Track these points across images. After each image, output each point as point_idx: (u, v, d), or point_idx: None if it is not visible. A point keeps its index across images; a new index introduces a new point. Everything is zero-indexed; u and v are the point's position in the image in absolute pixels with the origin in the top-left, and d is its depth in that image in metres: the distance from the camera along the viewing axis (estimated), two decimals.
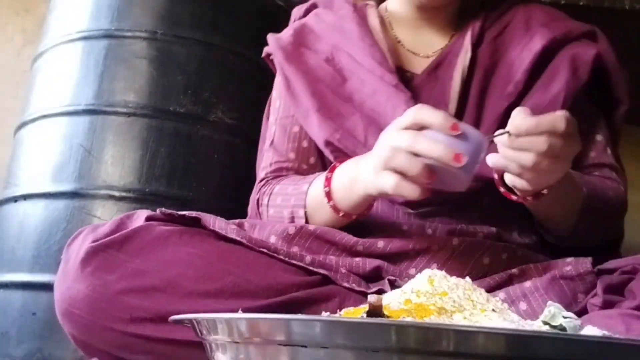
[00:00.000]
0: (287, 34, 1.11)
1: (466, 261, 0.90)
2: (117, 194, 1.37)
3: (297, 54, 1.07)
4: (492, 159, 0.79)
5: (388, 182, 0.77)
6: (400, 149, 0.75)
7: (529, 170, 0.77)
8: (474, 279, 0.84)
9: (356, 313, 0.61)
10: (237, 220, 0.95)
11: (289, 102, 1.07)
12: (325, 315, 0.63)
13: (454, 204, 0.97)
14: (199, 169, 1.44)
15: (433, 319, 0.56)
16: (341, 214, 0.91)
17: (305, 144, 1.08)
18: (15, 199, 1.45)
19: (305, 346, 0.43)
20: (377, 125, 0.97)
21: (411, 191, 0.76)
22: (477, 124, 0.99)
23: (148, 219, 0.89)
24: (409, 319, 0.55)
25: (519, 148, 0.76)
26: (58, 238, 1.35)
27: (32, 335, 1.32)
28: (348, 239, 0.93)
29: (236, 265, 0.86)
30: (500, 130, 0.77)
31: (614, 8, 1.54)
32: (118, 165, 1.39)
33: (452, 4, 1.07)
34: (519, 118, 0.76)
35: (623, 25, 1.59)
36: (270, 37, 1.12)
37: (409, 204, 0.97)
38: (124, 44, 1.45)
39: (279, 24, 1.22)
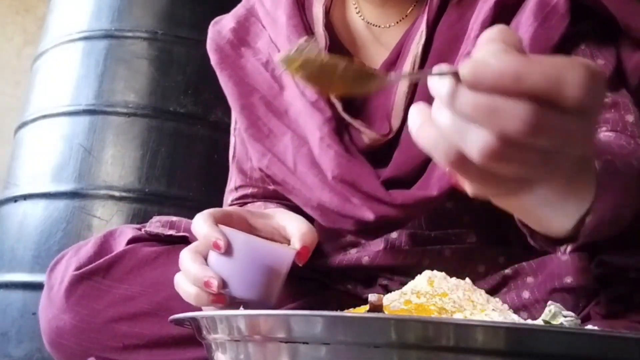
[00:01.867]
0: (228, 26, 0.93)
1: (460, 272, 0.84)
2: (117, 194, 1.37)
3: (235, 55, 0.90)
4: (414, 126, 0.43)
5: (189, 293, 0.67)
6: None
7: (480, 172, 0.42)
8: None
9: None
10: None
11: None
12: (325, 312, 0.63)
13: (427, 215, 0.83)
14: (199, 169, 1.44)
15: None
16: None
17: None
18: (15, 199, 1.45)
19: (307, 343, 0.43)
20: (307, 148, 0.81)
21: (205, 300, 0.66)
22: None
23: (132, 240, 0.84)
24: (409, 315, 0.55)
25: (470, 113, 0.39)
26: (58, 238, 1.35)
27: (32, 335, 1.32)
28: (332, 259, 0.86)
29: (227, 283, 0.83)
30: (441, 67, 0.41)
31: None
32: (118, 165, 1.39)
33: None
34: (486, 50, 0.40)
35: None
36: (211, 29, 0.96)
37: (350, 231, 0.84)
38: (124, 44, 1.45)
39: None
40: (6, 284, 1.39)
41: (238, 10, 0.95)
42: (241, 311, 0.52)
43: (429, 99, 0.43)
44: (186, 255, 0.66)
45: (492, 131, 0.38)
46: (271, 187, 0.88)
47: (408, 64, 0.80)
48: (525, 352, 0.37)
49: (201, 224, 0.64)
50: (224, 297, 0.63)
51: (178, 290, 0.67)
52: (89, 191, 1.38)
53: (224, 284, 0.62)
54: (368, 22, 0.87)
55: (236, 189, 0.94)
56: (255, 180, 0.92)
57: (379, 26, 0.86)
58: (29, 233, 1.40)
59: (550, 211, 0.50)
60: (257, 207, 0.90)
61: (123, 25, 1.46)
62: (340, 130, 0.80)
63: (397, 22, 0.86)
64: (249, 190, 0.93)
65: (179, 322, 0.61)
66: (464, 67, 0.38)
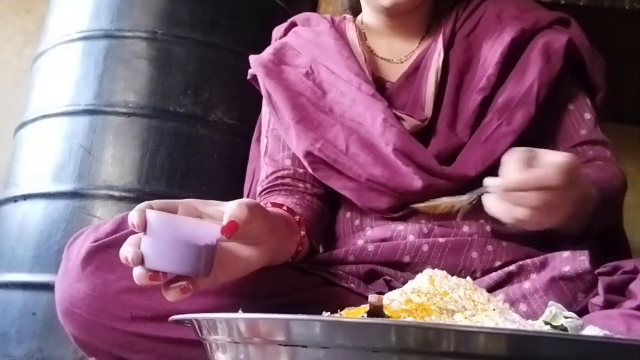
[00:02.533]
0: (267, 52, 1.13)
1: (457, 258, 0.92)
2: (117, 194, 1.37)
3: (278, 70, 1.09)
4: (487, 204, 0.77)
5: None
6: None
7: (523, 223, 0.76)
8: (465, 274, 0.84)
9: (357, 313, 0.61)
10: None
11: (273, 116, 1.09)
12: (325, 315, 0.63)
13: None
14: (199, 169, 1.44)
15: (434, 319, 0.56)
16: None
17: None
18: (15, 199, 1.45)
19: (306, 346, 0.43)
20: (357, 135, 0.99)
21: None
22: (453, 121, 1.00)
23: None
24: (409, 319, 0.55)
25: (511, 202, 0.74)
26: (58, 238, 1.35)
27: (32, 335, 1.32)
28: (337, 252, 0.96)
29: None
30: (491, 181, 0.76)
31: (614, 8, 1.54)
32: (118, 165, 1.39)
33: (419, 8, 1.09)
34: (509, 171, 0.74)
35: (623, 25, 1.59)
36: (252, 58, 1.14)
37: (379, 210, 0.99)
38: (124, 44, 1.45)
39: (279, 24, 1.22)
40: (6, 284, 1.39)
41: (272, 45, 1.17)
42: (241, 314, 0.52)
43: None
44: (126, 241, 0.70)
45: (524, 207, 0.74)
46: (301, 170, 1.05)
47: (432, 75, 1.03)
48: (526, 357, 0.37)
49: (132, 211, 0.68)
50: (156, 275, 0.66)
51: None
52: (89, 191, 1.38)
53: (143, 260, 0.66)
54: (379, 57, 1.12)
55: (267, 177, 1.07)
56: (285, 166, 1.06)
57: (390, 60, 1.11)
58: (29, 233, 1.39)
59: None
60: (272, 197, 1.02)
61: (123, 25, 1.46)
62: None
63: (405, 57, 1.10)
64: (279, 173, 1.06)
65: (179, 323, 0.61)
66: (501, 183, 0.74)
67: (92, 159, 1.39)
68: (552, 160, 0.74)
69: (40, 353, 1.31)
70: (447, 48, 1.05)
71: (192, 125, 1.44)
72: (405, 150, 0.96)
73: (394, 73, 1.09)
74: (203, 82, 1.46)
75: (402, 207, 0.97)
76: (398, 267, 0.94)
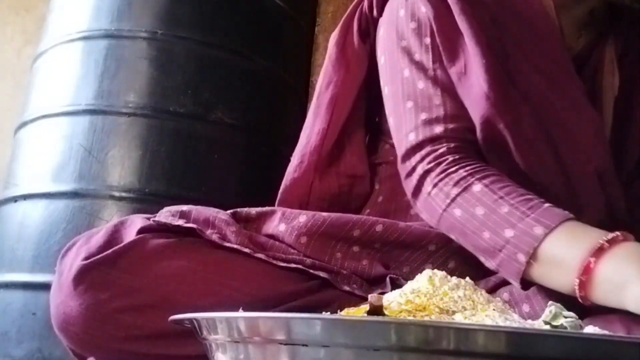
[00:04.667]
0: None
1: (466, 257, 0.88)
2: (117, 194, 1.37)
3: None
4: None
5: None
6: None
7: None
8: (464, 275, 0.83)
9: (357, 313, 0.61)
10: (244, 211, 0.91)
11: (444, 52, 0.84)
12: (325, 314, 0.63)
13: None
14: (199, 169, 1.44)
15: (434, 318, 0.56)
16: (587, 302, 0.71)
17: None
18: (15, 199, 1.45)
19: (306, 345, 0.43)
20: (548, 132, 0.80)
21: None
22: (617, 162, 0.85)
23: (141, 230, 0.85)
24: (409, 318, 0.55)
25: None
26: (58, 238, 1.35)
27: (32, 335, 1.32)
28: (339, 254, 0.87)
29: (233, 277, 0.83)
30: None
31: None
32: (118, 165, 1.39)
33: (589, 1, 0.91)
34: None
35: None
36: None
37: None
38: (124, 44, 1.45)
39: (279, 24, 1.22)
40: (6, 284, 1.39)
41: None
42: (241, 313, 0.52)
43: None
44: None
45: None
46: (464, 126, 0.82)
47: (607, 85, 0.87)
48: (526, 356, 0.37)
49: None
50: None
51: None
52: (89, 191, 1.38)
53: None
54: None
55: (447, 118, 0.83)
56: (467, 117, 0.83)
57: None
58: (29, 233, 1.39)
59: None
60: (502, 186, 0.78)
61: (123, 25, 1.46)
62: None
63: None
64: (463, 124, 0.83)
65: (179, 323, 0.61)
66: None
67: (92, 159, 1.39)
68: None
69: (40, 353, 1.31)
70: (619, 59, 0.88)
71: (192, 125, 1.44)
72: (604, 178, 0.81)
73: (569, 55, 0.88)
74: (203, 82, 1.46)
75: None
76: (399, 252, 0.87)
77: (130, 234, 0.85)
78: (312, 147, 0.99)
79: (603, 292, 0.68)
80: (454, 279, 0.66)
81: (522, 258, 0.73)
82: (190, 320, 0.56)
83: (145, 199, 1.37)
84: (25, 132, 1.52)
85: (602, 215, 0.80)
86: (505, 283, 0.86)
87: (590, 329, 0.56)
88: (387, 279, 0.87)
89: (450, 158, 0.80)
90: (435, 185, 0.80)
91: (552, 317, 0.56)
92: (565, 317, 0.57)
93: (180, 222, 0.86)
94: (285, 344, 0.44)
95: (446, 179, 0.79)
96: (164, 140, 1.41)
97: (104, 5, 1.48)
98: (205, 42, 1.48)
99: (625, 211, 0.81)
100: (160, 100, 1.43)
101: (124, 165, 1.39)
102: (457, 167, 0.80)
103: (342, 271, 0.88)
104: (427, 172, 0.82)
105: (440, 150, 0.82)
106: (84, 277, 0.81)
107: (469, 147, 0.82)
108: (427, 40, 0.86)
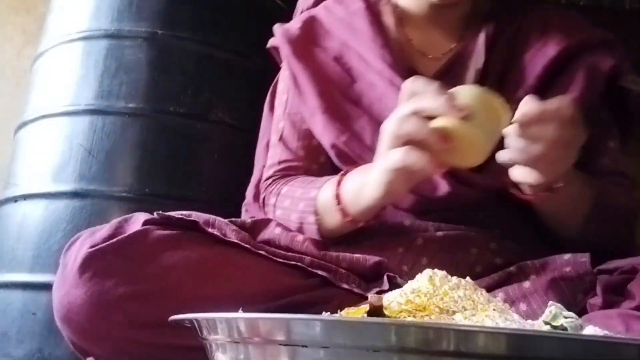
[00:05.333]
0: (295, 26, 1.06)
1: (454, 252, 0.90)
2: (117, 193, 1.37)
3: (306, 50, 1.03)
4: (500, 156, 0.78)
5: (396, 156, 0.76)
6: (404, 116, 0.75)
7: (540, 160, 0.76)
8: (463, 271, 0.84)
9: (357, 313, 0.61)
10: (238, 220, 0.95)
11: (296, 99, 1.03)
12: (325, 315, 0.63)
13: (458, 211, 0.95)
14: (199, 169, 1.44)
15: (434, 319, 0.56)
16: (348, 218, 0.89)
17: (315, 142, 1.03)
18: (15, 199, 1.45)
19: (306, 346, 0.43)
20: None
21: (420, 159, 0.74)
22: None
23: (145, 223, 0.87)
24: (409, 319, 0.55)
25: (528, 137, 0.75)
26: (58, 238, 1.35)
27: (32, 335, 1.32)
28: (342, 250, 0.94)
29: (234, 270, 0.85)
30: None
31: (614, 8, 1.54)
32: (118, 165, 1.39)
33: (464, 2, 1.02)
34: (527, 106, 0.75)
35: (623, 25, 1.59)
36: (278, 29, 1.08)
37: (413, 209, 0.95)
38: (124, 44, 1.45)
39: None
40: (6, 284, 1.39)
41: (300, 17, 1.10)
42: (241, 314, 0.52)
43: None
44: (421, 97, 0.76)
45: (541, 141, 0.75)
46: (315, 166, 1.03)
47: (470, 76, 0.98)
48: (526, 357, 0.37)
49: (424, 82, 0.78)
50: None
51: (407, 159, 0.75)
52: (89, 191, 1.38)
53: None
54: (415, 48, 1.04)
55: (279, 162, 1.05)
56: (299, 157, 1.04)
57: (425, 53, 1.03)
58: (29, 233, 1.39)
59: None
60: (300, 181, 1.00)
61: (123, 25, 1.46)
62: None
63: (442, 53, 1.03)
64: (293, 164, 1.04)
65: (179, 322, 0.61)
66: (519, 117, 0.74)
67: (92, 159, 1.39)
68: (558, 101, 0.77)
69: (40, 353, 1.31)
70: (488, 51, 0.99)
71: (192, 125, 1.44)
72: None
73: (428, 68, 1.01)
74: (203, 82, 1.46)
75: (424, 208, 0.94)
76: (392, 252, 0.92)
77: (134, 229, 0.87)
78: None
79: (352, 195, 0.87)
80: (454, 279, 0.66)
81: (311, 218, 0.92)
82: (190, 320, 0.56)
83: (145, 199, 1.37)
84: (26, 132, 1.52)
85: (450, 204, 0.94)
86: (499, 284, 0.86)
87: (590, 330, 0.56)
88: (385, 277, 0.88)
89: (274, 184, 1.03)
90: (264, 201, 1.04)
91: (552, 318, 0.56)
92: (565, 318, 0.57)
93: (183, 215, 0.89)
94: (285, 345, 0.44)
95: (270, 195, 1.02)
96: (163, 140, 1.41)
97: (104, 5, 1.48)
98: (205, 42, 1.48)
99: (474, 201, 0.94)
100: (160, 100, 1.42)
101: (124, 166, 1.39)
102: (275, 185, 1.02)
103: (340, 270, 0.90)
104: (265, 196, 1.03)
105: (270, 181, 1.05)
106: (90, 264, 0.82)
107: (291, 174, 1.03)
108: (284, 97, 1.07)
